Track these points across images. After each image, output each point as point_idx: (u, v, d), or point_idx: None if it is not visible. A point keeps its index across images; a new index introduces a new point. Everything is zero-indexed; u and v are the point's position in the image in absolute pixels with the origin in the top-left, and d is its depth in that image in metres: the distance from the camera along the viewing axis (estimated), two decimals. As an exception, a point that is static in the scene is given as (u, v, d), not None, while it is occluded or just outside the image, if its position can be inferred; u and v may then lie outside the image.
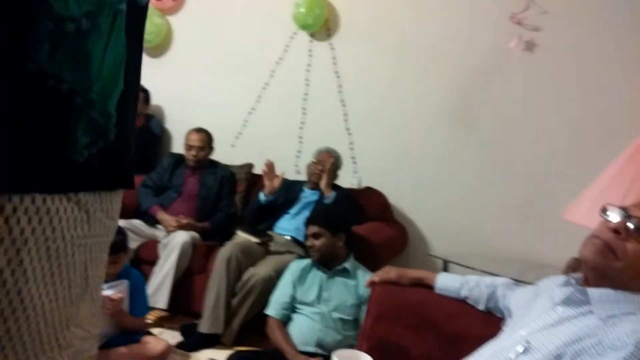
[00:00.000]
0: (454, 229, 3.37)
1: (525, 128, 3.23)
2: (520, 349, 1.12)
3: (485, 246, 3.24)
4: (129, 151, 0.80)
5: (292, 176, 3.52)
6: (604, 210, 1.18)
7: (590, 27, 3.06)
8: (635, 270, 1.11)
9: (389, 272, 1.72)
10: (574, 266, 1.98)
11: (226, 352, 2.38)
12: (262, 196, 3.10)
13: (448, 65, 3.38)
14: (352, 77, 3.62)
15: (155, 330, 2.63)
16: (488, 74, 3.31)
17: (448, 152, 3.40)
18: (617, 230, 1.12)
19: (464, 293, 1.60)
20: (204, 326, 2.63)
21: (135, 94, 0.85)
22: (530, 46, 3.22)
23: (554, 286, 1.28)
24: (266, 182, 3.07)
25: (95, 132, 0.72)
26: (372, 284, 1.73)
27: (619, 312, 1.07)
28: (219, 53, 3.92)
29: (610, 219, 1.15)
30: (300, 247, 2.95)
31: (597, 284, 1.14)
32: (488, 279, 1.61)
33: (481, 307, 1.58)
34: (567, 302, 1.17)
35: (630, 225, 1.11)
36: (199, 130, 3.35)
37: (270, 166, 3.06)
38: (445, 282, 1.64)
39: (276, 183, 3.06)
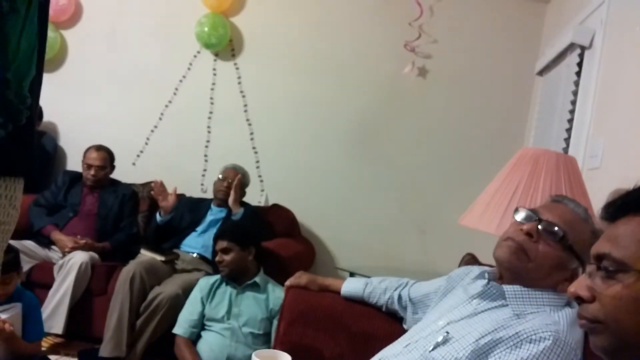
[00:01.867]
0: (359, 244, 3.52)
1: (422, 147, 3.48)
2: (440, 339, 1.16)
3: (389, 258, 3.43)
4: (33, 139, 0.79)
5: (198, 195, 3.48)
6: (516, 212, 1.26)
7: (473, 56, 3.41)
8: (545, 270, 1.18)
9: (300, 277, 1.78)
10: (467, 260, 2.15)
11: (130, 376, 2.28)
12: (158, 217, 3.03)
13: (351, 88, 3.56)
14: (258, 96, 3.68)
15: (51, 358, 2.44)
16: (387, 98, 3.53)
17: (351, 171, 3.56)
18: (530, 233, 1.19)
19: (366, 295, 1.68)
20: (105, 350, 2.49)
21: (40, 84, 0.84)
22: (422, 72, 3.49)
23: (468, 279, 1.38)
24: (160, 203, 3.00)
25: (8, 112, 0.70)
26: (285, 289, 1.77)
27: (531, 309, 1.15)
28: (119, 69, 3.80)
29: (522, 221, 1.22)
30: (208, 265, 2.91)
31: (511, 281, 1.21)
32: (392, 281, 1.68)
33: (382, 307, 1.65)
34: (483, 295, 1.23)
35: (544, 227, 1.18)
36: (100, 149, 3.21)
37: (159, 186, 2.98)
38: (350, 286, 1.72)
39: (170, 202, 3.00)
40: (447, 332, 1.17)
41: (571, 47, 2.41)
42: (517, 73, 3.35)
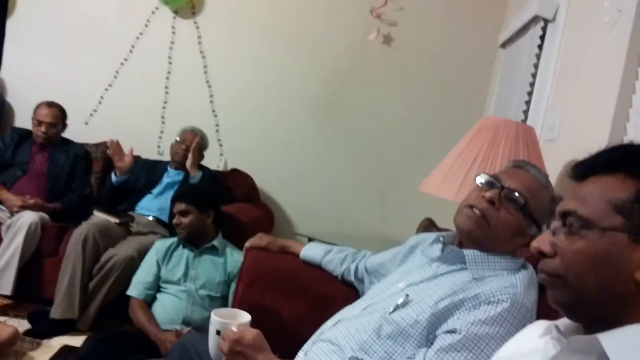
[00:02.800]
0: (318, 210, 3.53)
1: (384, 115, 3.48)
2: (399, 301, 1.17)
3: (348, 224, 3.46)
4: None
5: (154, 157, 3.39)
6: (478, 178, 1.26)
7: (437, 25, 3.41)
8: (505, 236, 1.19)
9: (260, 239, 1.77)
10: (425, 225, 2.18)
11: (82, 339, 2.23)
12: (113, 177, 2.94)
13: (314, 52, 3.51)
14: (219, 58, 3.57)
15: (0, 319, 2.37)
16: (350, 65, 3.50)
17: (313, 137, 3.54)
18: (492, 200, 1.19)
19: (324, 262, 1.69)
20: (57, 311, 2.43)
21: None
22: (387, 40, 3.47)
23: (426, 243, 1.39)
24: (116, 163, 2.90)
25: None
26: (244, 250, 1.75)
27: (490, 273, 1.17)
28: (72, 23, 3.61)
29: (484, 187, 1.23)
30: (164, 228, 2.86)
31: (470, 247, 1.22)
32: (351, 252, 1.69)
33: (338, 276, 1.66)
34: (443, 259, 1.25)
35: (506, 194, 1.19)
36: (51, 105, 3.06)
37: (115, 146, 2.88)
38: (310, 251, 1.72)
39: (127, 162, 2.91)
40: (407, 295, 1.17)
41: (535, 19, 2.43)
42: (481, 44, 3.37)
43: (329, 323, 1.27)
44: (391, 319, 1.14)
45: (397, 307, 1.16)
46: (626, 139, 1.64)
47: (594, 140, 1.73)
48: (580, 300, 0.72)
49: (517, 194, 1.19)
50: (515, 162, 1.30)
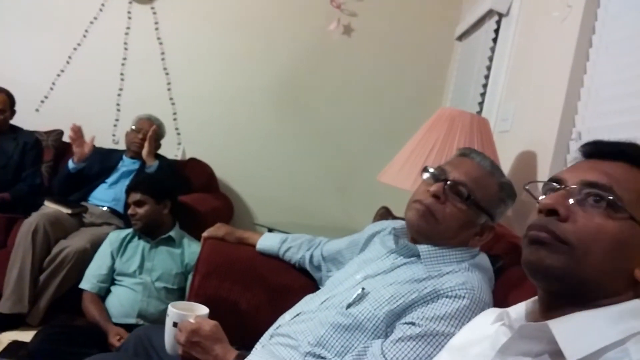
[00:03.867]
0: (278, 200, 3.52)
1: (344, 105, 3.50)
2: (356, 295, 1.15)
3: (308, 214, 3.47)
4: None
5: (109, 146, 3.30)
6: (425, 172, 1.26)
7: (397, 17, 3.45)
8: (454, 229, 1.19)
9: (219, 229, 1.75)
10: (381, 213, 2.21)
11: (32, 333, 2.15)
12: (71, 164, 2.84)
13: (275, 41, 3.48)
14: (177, 44, 3.50)
15: (-60, 315, 2.27)
16: (310, 55, 3.49)
17: (273, 126, 3.52)
18: (436, 195, 1.18)
19: (281, 252, 1.67)
20: (5, 306, 2.34)
21: None
22: (347, 30, 3.47)
23: (384, 232, 1.39)
24: (75, 149, 2.81)
25: None
26: (202, 240, 1.73)
27: (446, 268, 1.15)
28: (22, 4, 3.45)
29: (429, 180, 1.22)
30: (119, 219, 2.79)
31: (423, 242, 1.21)
32: (307, 239, 1.67)
33: (295, 264, 1.65)
34: (399, 252, 1.25)
35: (450, 187, 1.18)
36: (-2, 90, 2.93)
37: (77, 131, 2.78)
38: (266, 241, 1.70)
39: (86, 149, 2.82)
40: (364, 288, 1.16)
41: (489, 13, 2.48)
42: (438, 37, 3.42)
43: (287, 316, 1.26)
44: (348, 313, 1.13)
45: (354, 301, 1.15)
46: (574, 131, 1.70)
47: (545, 132, 1.78)
48: (574, 274, 0.69)
49: (460, 186, 1.18)
50: (461, 150, 1.30)
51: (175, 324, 1.21)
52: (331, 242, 1.59)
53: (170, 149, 3.35)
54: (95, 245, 2.41)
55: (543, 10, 2.01)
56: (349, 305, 1.14)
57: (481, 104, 2.48)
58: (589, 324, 0.67)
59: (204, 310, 1.27)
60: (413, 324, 1.05)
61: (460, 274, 1.13)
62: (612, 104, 1.55)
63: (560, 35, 1.83)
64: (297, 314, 1.24)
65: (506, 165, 1.96)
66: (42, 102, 3.50)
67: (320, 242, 1.63)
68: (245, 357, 1.12)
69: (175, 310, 1.23)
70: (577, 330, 0.67)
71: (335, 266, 1.53)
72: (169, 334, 1.23)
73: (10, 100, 2.98)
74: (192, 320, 1.17)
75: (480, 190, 1.19)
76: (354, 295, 1.15)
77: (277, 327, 1.23)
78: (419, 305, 1.08)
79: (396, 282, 1.16)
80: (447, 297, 1.07)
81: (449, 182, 1.19)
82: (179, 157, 3.40)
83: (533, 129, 1.91)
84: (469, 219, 1.19)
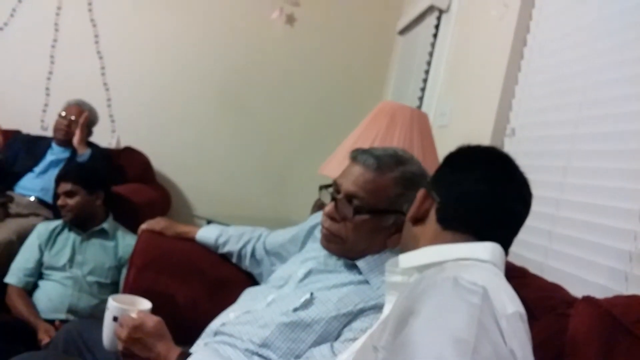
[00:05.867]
0: (218, 192, 3.46)
1: (284, 96, 3.47)
2: (303, 299, 1.13)
3: (248, 206, 3.43)
4: None
5: (37, 132, 3.12)
6: (327, 187, 1.22)
7: (339, 9, 3.45)
8: (365, 240, 1.16)
9: (158, 222, 1.69)
10: (320, 205, 2.21)
11: (-49, 331, 2.02)
12: None
13: (215, 29, 3.40)
14: (112, 27, 3.35)
15: None
16: (252, 43, 3.44)
17: (212, 117, 3.45)
18: (331, 216, 1.16)
19: (219, 250, 1.64)
20: None
21: None
22: (290, 20, 3.44)
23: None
24: None
25: None
26: (139, 233, 1.67)
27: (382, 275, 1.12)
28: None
29: (326, 201, 1.21)
30: (48, 209, 2.64)
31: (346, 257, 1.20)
32: (246, 234, 1.63)
33: (232, 255, 1.62)
34: (339, 268, 1.22)
35: (339, 207, 1.15)
36: None
37: None
38: (204, 235, 1.66)
39: None
40: (312, 293, 1.14)
41: (430, 9, 2.53)
42: (380, 30, 3.45)
43: (232, 315, 1.22)
44: (296, 315, 1.12)
45: (301, 305, 1.13)
46: (509, 127, 1.77)
47: (482, 126, 1.84)
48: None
49: (351, 198, 1.14)
50: (350, 154, 1.22)
51: (115, 318, 1.15)
52: (273, 235, 1.57)
53: (104, 137, 3.21)
54: (22, 237, 2.27)
55: (481, 9, 2.07)
56: (295, 309, 1.13)
57: (421, 98, 2.53)
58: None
59: (147, 304, 1.22)
60: (362, 330, 1.05)
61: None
62: (545, 101, 1.61)
63: (497, 33, 1.89)
64: (241, 313, 1.21)
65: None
66: (-39, 84, 3.26)
67: (262, 234, 1.60)
68: (188, 356, 1.08)
69: (115, 304, 1.17)
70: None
71: (279, 260, 1.51)
72: (108, 328, 1.17)
73: None
74: (134, 315, 1.12)
75: (372, 195, 1.14)
76: (302, 300, 1.14)
77: (222, 325, 1.20)
78: (367, 313, 1.09)
79: (342, 284, 1.15)
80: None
81: (337, 201, 1.16)
82: (113, 146, 3.26)
83: (470, 124, 1.97)
84: (375, 225, 1.15)
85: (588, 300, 0.92)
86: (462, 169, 0.89)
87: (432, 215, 0.89)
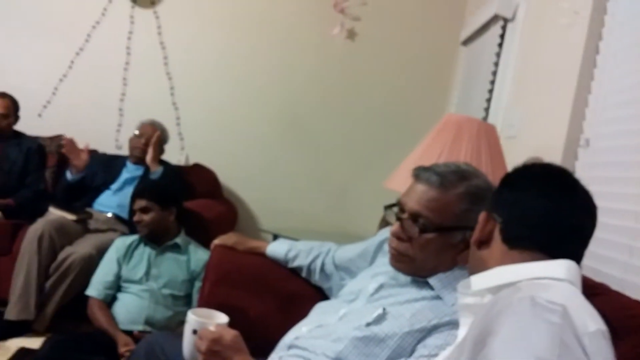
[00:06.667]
0: (282, 206, 3.53)
1: (347, 111, 3.50)
2: (377, 314, 1.13)
3: (313, 221, 3.47)
4: None
5: (112, 151, 3.30)
6: (391, 207, 1.21)
7: (400, 21, 3.46)
8: (434, 258, 1.15)
9: (229, 237, 1.75)
10: (386, 222, 2.20)
11: (39, 340, 2.16)
12: (69, 175, 2.82)
13: (277, 46, 3.49)
14: (180, 49, 3.50)
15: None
16: (314, 59, 3.50)
17: (276, 132, 3.52)
18: (397, 236, 1.16)
19: (289, 264, 1.66)
20: (12, 313, 2.33)
21: None
22: (351, 35, 3.48)
23: None
24: (71, 162, 2.78)
25: None
26: (212, 248, 1.73)
27: (454, 292, 1.10)
28: (24, 10, 3.45)
29: (392, 221, 1.21)
30: (124, 225, 2.78)
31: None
32: (314, 248, 1.65)
33: (302, 269, 1.64)
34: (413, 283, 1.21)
35: (405, 227, 1.15)
36: (3, 96, 2.93)
37: (69, 144, 2.75)
38: (274, 250, 1.69)
39: (83, 159, 2.79)
40: (384, 308, 1.15)
41: (495, 18, 2.49)
42: (443, 41, 3.42)
43: (304, 328, 1.25)
44: (369, 330, 1.13)
45: (374, 320, 1.13)
46: (582, 138, 1.71)
47: (553, 137, 1.79)
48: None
49: (416, 217, 1.14)
50: (413, 172, 1.22)
51: (195, 331, 1.20)
52: (342, 250, 1.58)
53: (173, 154, 3.34)
54: (101, 252, 2.41)
55: (549, 17, 2.02)
56: (368, 324, 1.13)
57: (487, 109, 2.48)
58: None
59: (224, 318, 1.27)
60: (437, 347, 1.05)
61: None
62: (620, 110, 1.55)
63: (567, 41, 1.83)
64: (314, 327, 1.23)
65: (513, 171, 1.95)
66: (45, 107, 3.49)
67: (330, 249, 1.62)
68: None
69: (195, 318, 1.22)
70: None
71: (348, 275, 1.52)
72: (188, 341, 1.22)
73: (14, 105, 2.98)
74: (212, 329, 1.16)
75: (437, 213, 1.13)
76: (375, 315, 1.14)
77: (295, 339, 1.23)
78: (441, 330, 1.08)
79: (414, 299, 1.15)
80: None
81: (404, 220, 1.16)
82: (182, 163, 3.40)
83: (540, 135, 1.91)
84: (442, 243, 1.14)
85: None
86: (521, 187, 0.89)
87: (497, 236, 0.88)
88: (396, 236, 1.17)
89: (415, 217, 1.14)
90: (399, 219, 1.18)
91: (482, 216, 0.92)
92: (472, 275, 0.91)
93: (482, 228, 0.91)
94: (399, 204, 1.19)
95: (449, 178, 1.15)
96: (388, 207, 1.26)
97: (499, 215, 0.89)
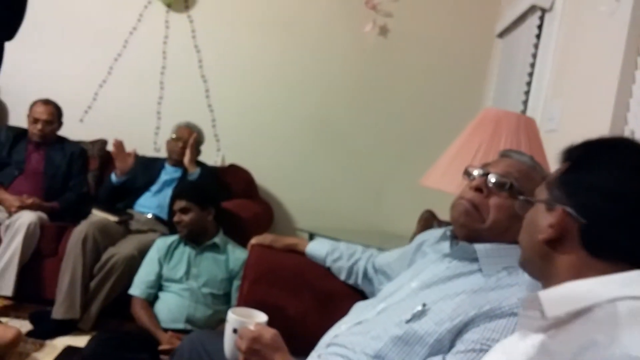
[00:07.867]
0: (319, 205, 3.53)
1: (382, 108, 3.48)
2: (417, 309, 1.12)
3: (349, 219, 3.46)
4: None
5: (150, 153, 3.38)
6: (466, 173, 1.24)
7: (433, 16, 3.41)
8: (503, 223, 1.15)
9: (265, 237, 1.76)
10: (426, 217, 2.18)
11: (85, 338, 2.23)
12: (114, 177, 2.91)
13: (310, 45, 3.49)
14: (214, 51, 3.55)
15: (1, 320, 2.36)
16: (347, 57, 3.49)
17: (310, 131, 3.53)
18: (479, 187, 1.17)
19: (328, 264, 1.66)
20: (58, 312, 2.42)
21: None
22: (383, 31, 3.45)
23: (433, 239, 1.37)
24: (117, 164, 2.87)
25: None
26: (249, 247, 1.75)
27: (504, 271, 1.11)
28: (65, 19, 3.56)
29: (472, 177, 1.22)
30: (164, 225, 2.84)
31: (470, 241, 1.17)
32: (357, 252, 1.64)
33: (342, 278, 1.63)
34: (454, 255, 1.22)
35: (492, 179, 1.16)
36: (47, 102, 3.03)
37: (118, 146, 2.84)
38: (314, 249, 1.69)
39: (129, 161, 2.88)
40: (425, 304, 1.13)
41: (532, 9, 2.43)
42: (477, 34, 3.37)
43: (343, 326, 1.25)
44: (408, 327, 1.11)
45: (414, 316, 1.12)
46: (627, 129, 1.65)
47: (596, 130, 1.73)
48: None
49: (502, 177, 1.16)
50: (501, 153, 1.29)
51: (235, 330, 1.21)
52: (382, 255, 1.58)
53: (209, 156, 3.40)
54: (143, 252, 2.47)
55: (589, 5, 1.95)
56: (408, 321, 1.12)
57: (525, 102, 2.43)
58: None
59: (263, 317, 1.28)
60: (473, 341, 1.03)
61: (518, 287, 1.08)
62: (668, 100, 1.49)
63: (608, 30, 1.77)
64: (353, 324, 1.23)
65: (555, 165, 1.91)
66: (86, 112, 3.60)
67: (372, 254, 1.62)
68: None
69: (235, 317, 1.23)
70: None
71: (386, 278, 1.51)
72: (228, 340, 1.23)
73: (58, 111, 3.08)
74: (252, 328, 1.17)
75: (523, 181, 1.16)
76: (414, 311, 1.13)
77: (334, 337, 1.23)
78: (478, 323, 1.05)
79: (455, 293, 1.13)
80: (507, 317, 1.04)
81: (490, 175, 1.18)
82: (218, 164, 3.45)
83: (583, 128, 1.86)
84: (516, 213, 1.13)
85: None
86: (601, 167, 0.75)
87: (574, 237, 0.74)
88: (478, 188, 1.17)
89: (501, 177, 1.16)
90: (485, 174, 1.19)
91: (558, 213, 0.76)
92: (532, 275, 0.83)
93: (558, 227, 0.76)
94: (481, 168, 1.21)
95: (537, 163, 1.22)
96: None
97: (580, 214, 0.73)
